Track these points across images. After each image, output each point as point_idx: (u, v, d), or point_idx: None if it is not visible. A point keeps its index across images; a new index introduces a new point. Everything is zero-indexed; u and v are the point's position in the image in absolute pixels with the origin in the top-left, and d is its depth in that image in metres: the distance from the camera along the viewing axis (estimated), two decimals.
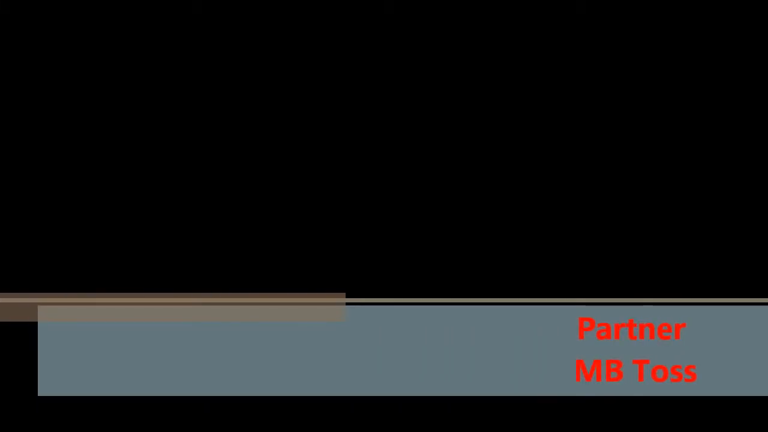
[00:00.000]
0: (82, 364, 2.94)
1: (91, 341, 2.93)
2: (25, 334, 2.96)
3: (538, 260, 2.97)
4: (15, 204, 2.99)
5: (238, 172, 3.00)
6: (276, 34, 3.01)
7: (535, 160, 2.98)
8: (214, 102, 3.01)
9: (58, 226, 2.99)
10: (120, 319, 2.92)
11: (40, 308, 2.92)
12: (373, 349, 2.93)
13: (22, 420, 2.95)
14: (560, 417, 2.94)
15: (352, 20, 3.01)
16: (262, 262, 2.98)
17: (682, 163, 2.98)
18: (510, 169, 2.99)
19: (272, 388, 2.95)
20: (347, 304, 2.93)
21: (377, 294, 2.96)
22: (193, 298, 2.92)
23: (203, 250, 2.99)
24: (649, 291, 2.96)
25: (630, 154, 2.98)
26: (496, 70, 3.00)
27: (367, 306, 2.93)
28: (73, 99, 3.00)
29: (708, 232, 2.97)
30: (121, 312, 2.92)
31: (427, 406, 2.95)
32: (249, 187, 3.00)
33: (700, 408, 2.94)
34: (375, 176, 3.00)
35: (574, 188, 2.98)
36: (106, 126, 3.00)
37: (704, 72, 2.98)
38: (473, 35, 2.99)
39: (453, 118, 2.99)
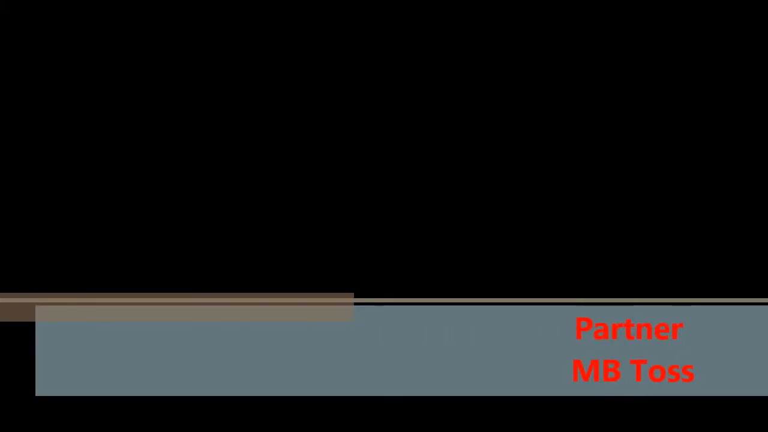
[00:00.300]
0: (81, 364, 2.91)
1: (90, 341, 2.91)
2: (23, 334, 2.93)
3: (536, 260, 2.98)
4: (13, 204, 2.96)
5: (244, 171, 2.99)
6: (276, 33, 3.00)
7: (534, 162, 2.99)
8: (215, 100, 2.99)
9: (55, 226, 2.96)
10: (121, 319, 2.90)
11: (37, 308, 2.90)
12: (382, 350, 2.93)
13: (20, 420, 2.93)
14: (558, 417, 2.95)
15: (352, 19, 3.00)
16: (269, 262, 2.97)
17: (680, 163, 3.00)
18: (510, 171, 2.99)
19: (280, 389, 2.93)
20: (356, 304, 2.92)
21: (386, 294, 2.96)
22: (199, 298, 2.90)
23: (208, 250, 2.97)
24: (647, 291, 2.98)
25: (628, 154, 3.00)
26: (497, 70, 3.00)
27: (376, 306, 2.93)
28: (72, 99, 2.98)
29: (706, 232, 2.99)
30: (122, 312, 2.90)
31: (430, 406, 2.95)
32: (256, 186, 2.98)
33: (697, 408, 2.96)
34: (382, 177, 2.99)
35: (573, 189, 2.99)
36: (104, 126, 2.98)
37: (704, 72, 3.00)
38: (473, 34, 3.00)
39: (455, 121, 3.00)
